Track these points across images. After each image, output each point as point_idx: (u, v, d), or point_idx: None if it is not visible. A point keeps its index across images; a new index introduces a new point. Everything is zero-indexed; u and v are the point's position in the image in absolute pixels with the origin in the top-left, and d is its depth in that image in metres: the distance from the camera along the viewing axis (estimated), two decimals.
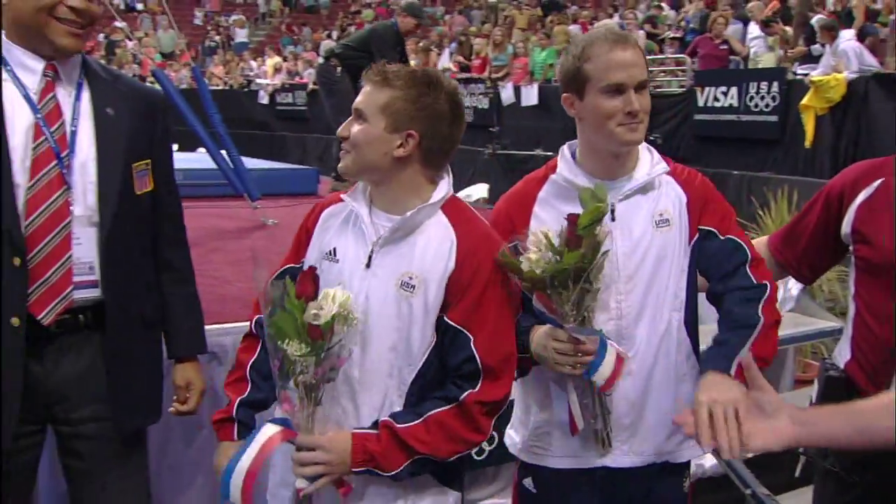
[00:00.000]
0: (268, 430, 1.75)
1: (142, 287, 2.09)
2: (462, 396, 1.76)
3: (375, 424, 1.77)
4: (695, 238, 2.00)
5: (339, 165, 1.85)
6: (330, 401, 1.78)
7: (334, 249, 1.86)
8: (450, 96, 1.81)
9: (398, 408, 1.80)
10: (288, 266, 1.93)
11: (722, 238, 1.98)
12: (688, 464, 2.10)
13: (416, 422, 1.75)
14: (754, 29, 11.15)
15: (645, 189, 1.98)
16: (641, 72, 1.92)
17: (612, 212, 1.95)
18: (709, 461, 3.30)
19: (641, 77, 1.91)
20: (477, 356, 1.76)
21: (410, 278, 1.77)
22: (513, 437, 2.15)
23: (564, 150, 2.05)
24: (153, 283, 2.14)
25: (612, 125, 1.91)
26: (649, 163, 2.01)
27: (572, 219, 1.81)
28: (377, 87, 1.78)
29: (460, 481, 1.93)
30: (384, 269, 1.80)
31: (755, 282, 1.96)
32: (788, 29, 10.89)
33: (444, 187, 1.85)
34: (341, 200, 1.91)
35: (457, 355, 1.77)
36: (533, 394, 2.08)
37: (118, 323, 1.99)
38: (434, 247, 1.79)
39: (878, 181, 2.00)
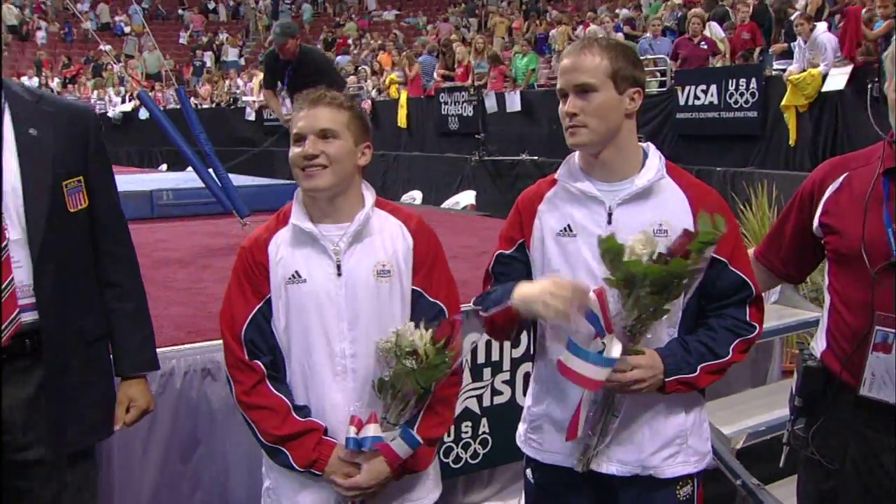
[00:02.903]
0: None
1: (82, 304, 2.04)
2: None
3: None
4: None
5: (316, 183, 1.96)
6: (319, 392, 2.03)
7: (297, 272, 2.00)
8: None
9: None
10: (258, 310, 2.02)
11: (732, 270, 1.98)
12: (683, 476, 2.06)
13: None
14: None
15: (644, 195, 1.97)
16: (579, 76, 1.92)
17: (610, 216, 1.96)
18: None
19: (577, 81, 1.93)
20: (444, 308, 2.08)
21: (384, 265, 2.03)
22: (519, 427, 2.20)
23: (573, 154, 2.08)
24: (97, 299, 2.10)
25: (564, 129, 1.98)
26: (655, 170, 2.00)
27: (688, 232, 1.86)
28: (336, 109, 2.00)
29: None
30: (358, 268, 2.01)
31: (748, 319, 2.00)
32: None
33: (369, 188, 2.10)
34: (274, 231, 2.06)
35: (428, 312, 2.06)
36: (538, 388, 2.14)
37: (56, 342, 1.96)
38: (390, 234, 2.06)
39: (843, 175, 2.06)
